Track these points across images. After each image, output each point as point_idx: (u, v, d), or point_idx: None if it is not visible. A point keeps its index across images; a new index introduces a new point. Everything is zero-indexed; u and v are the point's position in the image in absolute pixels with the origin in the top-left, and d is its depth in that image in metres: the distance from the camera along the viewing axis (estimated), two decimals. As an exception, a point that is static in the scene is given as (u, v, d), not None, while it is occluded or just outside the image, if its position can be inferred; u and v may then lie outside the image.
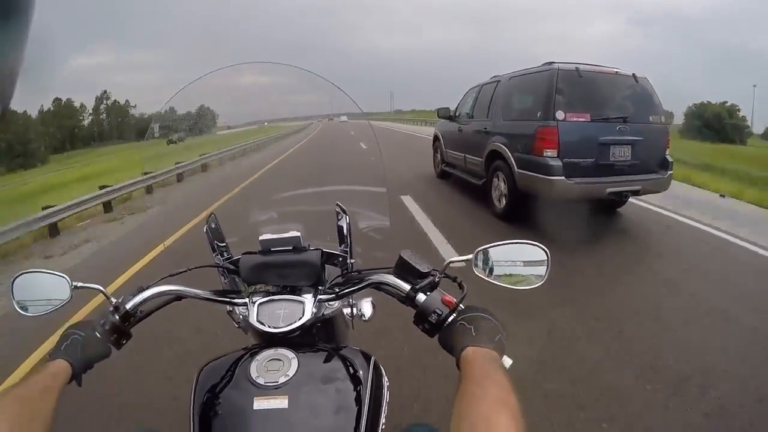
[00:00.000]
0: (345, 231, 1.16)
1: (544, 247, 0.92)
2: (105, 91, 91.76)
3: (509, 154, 5.76)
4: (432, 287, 0.93)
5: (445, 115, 8.46)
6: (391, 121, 48.47)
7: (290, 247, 1.05)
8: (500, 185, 6.05)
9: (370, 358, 0.93)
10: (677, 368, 2.74)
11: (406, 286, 0.94)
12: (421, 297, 0.92)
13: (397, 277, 0.96)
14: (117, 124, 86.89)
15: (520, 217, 5.77)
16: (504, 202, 5.98)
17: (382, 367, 0.94)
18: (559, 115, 5.10)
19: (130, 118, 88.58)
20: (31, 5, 0.40)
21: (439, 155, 9.20)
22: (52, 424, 0.72)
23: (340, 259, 1.12)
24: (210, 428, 0.78)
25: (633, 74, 5.71)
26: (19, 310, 0.99)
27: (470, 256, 0.93)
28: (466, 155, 7.39)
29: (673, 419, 2.31)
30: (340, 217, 1.18)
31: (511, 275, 0.94)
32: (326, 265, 1.10)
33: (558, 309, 3.44)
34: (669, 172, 5.70)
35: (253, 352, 0.89)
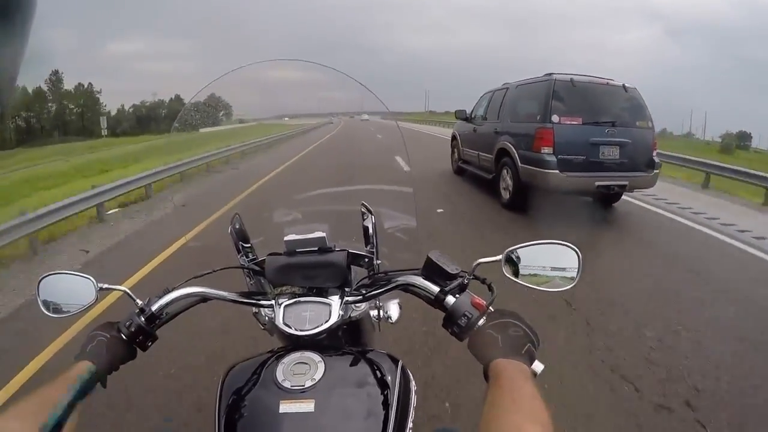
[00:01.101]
0: (371, 231, 1.14)
1: (575, 248, 0.91)
2: (56, 71, 73.07)
3: (514, 151, 6.73)
4: (461, 289, 0.91)
5: (462, 116, 9.46)
6: (421, 122, 44.35)
7: (316, 248, 1.03)
8: (507, 178, 7.01)
9: (398, 361, 0.91)
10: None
11: (435, 288, 0.92)
12: (450, 299, 0.90)
13: (426, 279, 0.94)
14: (81, 115, 73.54)
15: (523, 207, 6.72)
16: (509, 193, 6.93)
17: (409, 371, 0.93)
18: (555, 118, 6.07)
19: (100, 107, 76.54)
20: (31, 6, 0.39)
21: (456, 153, 10.17)
22: (76, 424, 0.73)
23: (366, 260, 1.10)
24: (236, 430, 0.78)
25: (623, 84, 6.64)
26: (45, 311, 0.99)
27: (500, 257, 0.92)
28: (480, 153, 8.36)
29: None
30: (365, 217, 1.16)
31: (540, 276, 0.92)
32: (352, 266, 1.08)
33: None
34: (655, 171, 6.59)
35: (279, 355, 0.88)
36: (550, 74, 6.56)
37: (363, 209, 1.17)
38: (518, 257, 0.92)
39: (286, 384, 0.80)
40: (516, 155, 6.67)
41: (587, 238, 5.44)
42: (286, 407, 0.77)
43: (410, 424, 0.84)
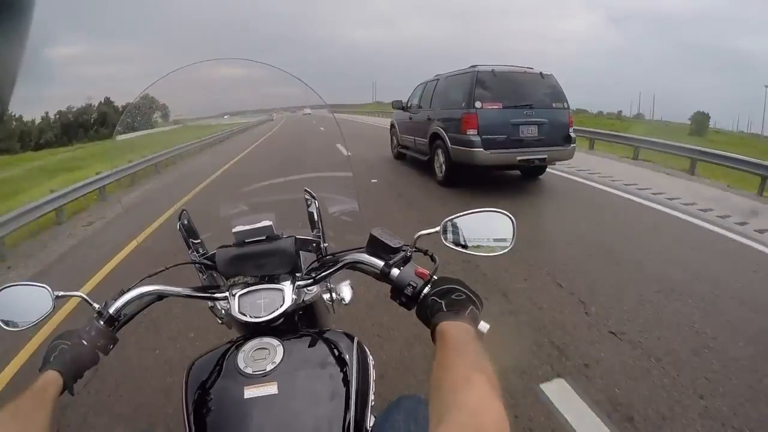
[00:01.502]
0: (316, 216, 1.16)
1: (509, 215, 0.95)
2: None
3: (445, 134, 7.38)
4: (405, 261, 0.94)
5: (399, 106, 10.05)
6: (369, 113, 44.25)
7: (264, 237, 1.04)
8: (440, 158, 7.68)
9: (354, 338, 0.94)
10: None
11: (380, 263, 0.95)
12: (395, 272, 0.93)
13: (371, 255, 0.97)
14: None
15: (456, 182, 7.42)
16: (443, 171, 7.61)
17: (366, 347, 0.95)
18: (478, 104, 6.77)
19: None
20: (31, 5, 0.39)
21: (395, 139, 10.78)
22: None
23: (314, 244, 1.12)
24: (204, 421, 0.79)
25: (540, 72, 7.43)
26: (2, 326, 0.97)
27: (438, 228, 0.95)
28: (416, 138, 8.99)
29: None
30: (309, 203, 1.18)
31: (478, 244, 0.97)
32: (301, 252, 1.09)
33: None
34: (573, 145, 7.40)
35: (238, 344, 0.90)
36: (474, 66, 7.25)
37: (307, 195, 1.19)
38: (456, 226, 0.97)
39: (248, 370, 0.82)
40: (446, 138, 7.33)
41: (509, 205, 6.19)
42: (250, 392, 0.79)
43: (372, 396, 0.87)
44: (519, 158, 6.91)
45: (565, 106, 7.49)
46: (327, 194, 1.29)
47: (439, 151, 7.69)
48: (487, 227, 0.97)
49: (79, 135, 65.67)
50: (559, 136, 7.27)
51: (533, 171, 8.01)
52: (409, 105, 9.64)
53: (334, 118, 1.64)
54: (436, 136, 7.78)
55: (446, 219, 0.97)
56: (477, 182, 7.49)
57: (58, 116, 74.15)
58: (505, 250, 0.97)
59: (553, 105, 7.29)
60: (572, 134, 7.42)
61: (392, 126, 11.00)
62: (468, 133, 6.77)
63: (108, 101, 78.62)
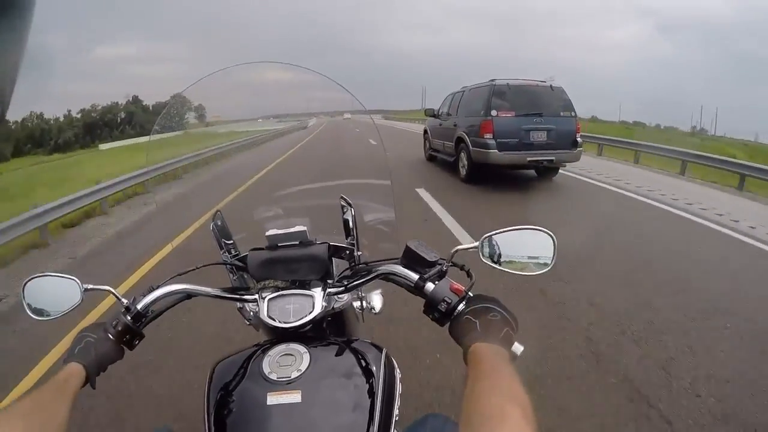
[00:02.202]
0: (351, 224, 1.16)
1: (550, 233, 0.92)
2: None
3: (467, 138, 8.76)
4: (440, 276, 0.92)
5: (431, 114, 11.51)
6: (416, 120, 38.56)
7: (297, 242, 1.04)
8: (463, 159, 9.06)
9: (382, 350, 0.92)
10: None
11: (415, 276, 0.93)
12: (429, 286, 0.91)
13: (405, 267, 0.95)
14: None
15: (477, 180, 8.76)
16: (466, 170, 8.99)
17: (393, 360, 0.94)
18: (494, 113, 8.13)
19: None
20: (31, 6, 0.39)
21: (428, 143, 12.20)
22: (67, 427, 0.72)
23: (347, 252, 1.11)
24: (225, 424, 0.78)
25: (550, 85, 8.72)
26: (31, 314, 0.99)
27: (477, 244, 0.93)
28: (444, 141, 10.39)
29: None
30: (345, 210, 1.18)
31: (517, 261, 0.94)
32: (334, 259, 1.09)
33: (494, 209, 6.43)
34: (579, 149, 8.63)
35: (264, 348, 0.89)
36: (493, 80, 8.63)
37: (343, 202, 1.18)
38: (495, 243, 0.93)
39: (273, 376, 0.81)
40: (468, 141, 8.71)
41: (519, 197, 7.53)
42: (273, 399, 0.78)
43: (396, 411, 0.85)
44: (529, 159, 8.22)
45: (573, 114, 8.73)
46: (363, 201, 1.27)
47: (463, 153, 9.09)
48: (526, 245, 0.94)
49: (103, 134, 64.21)
50: (567, 141, 8.51)
51: (546, 172, 9.28)
52: (439, 113, 11.05)
53: (373, 123, 1.63)
54: (460, 140, 9.17)
55: (485, 235, 0.94)
56: (495, 181, 8.80)
57: (80, 115, 70.20)
58: (545, 270, 0.94)
59: (561, 114, 8.54)
60: (579, 139, 8.64)
61: (425, 132, 12.44)
62: (485, 137, 8.14)
63: (136, 99, 77.45)
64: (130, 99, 77.12)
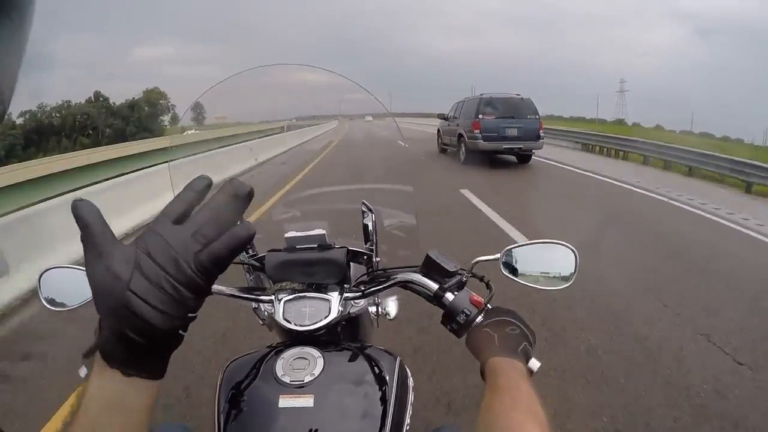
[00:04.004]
0: (371, 229, 1.17)
1: (572, 248, 0.93)
2: None
3: (464, 133, 13.00)
4: (459, 286, 0.93)
5: (442, 117, 15.76)
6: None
7: (315, 245, 1.04)
8: (462, 148, 13.29)
9: (396, 358, 0.93)
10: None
11: (434, 285, 0.93)
12: (449, 296, 0.91)
13: (424, 276, 0.95)
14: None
15: (472, 163, 12.84)
16: (463, 155, 13.20)
17: (407, 368, 0.94)
18: (480, 116, 12.45)
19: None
20: (31, 6, 0.39)
21: (439, 139, 16.46)
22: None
23: (366, 257, 1.12)
24: (235, 424, 0.79)
25: (521, 97, 13.01)
26: (47, 305, 0.99)
27: (497, 255, 0.94)
28: (450, 137, 14.64)
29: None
30: (365, 216, 1.19)
31: (538, 275, 0.94)
32: (352, 263, 1.10)
33: (487, 183, 10.55)
34: (541, 140, 12.77)
35: (278, 350, 0.89)
36: (482, 94, 13.07)
37: (363, 208, 1.19)
38: (516, 256, 0.94)
39: (286, 379, 0.81)
40: (465, 135, 12.96)
41: (505, 175, 11.72)
42: (285, 402, 0.78)
43: (408, 420, 0.85)
44: (504, 146, 12.44)
45: (537, 117, 12.90)
46: (384, 207, 1.28)
47: (462, 144, 13.31)
48: (548, 259, 0.94)
49: (49, 145, 49.99)
50: (532, 135, 12.64)
51: (522, 159, 13.36)
52: (447, 116, 15.28)
53: (395, 123, 1.69)
54: (460, 135, 13.39)
55: (507, 248, 0.94)
56: (483, 165, 12.84)
57: (23, 120, 54.04)
58: (565, 285, 0.94)
59: (528, 117, 12.75)
60: (541, 134, 12.76)
61: (438, 131, 16.70)
62: (475, 132, 12.43)
63: (98, 97, 63.17)
64: (91, 97, 63.15)
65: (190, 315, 0.48)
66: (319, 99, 1.72)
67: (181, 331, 0.48)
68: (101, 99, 63.92)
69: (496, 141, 12.39)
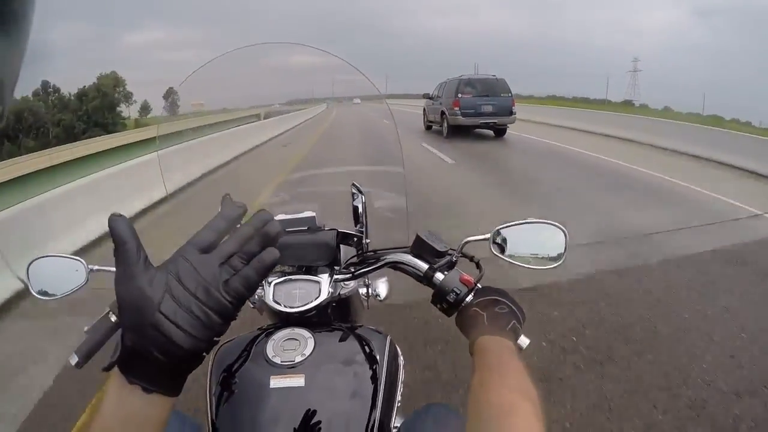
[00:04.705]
0: (360, 210, 1.16)
1: (562, 227, 0.93)
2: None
3: (446, 110, 14.76)
4: (450, 266, 0.94)
5: (427, 96, 17.44)
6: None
7: (305, 228, 1.05)
8: (444, 124, 15.06)
9: (386, 337, 0.94)
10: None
11: (424, 266, 0.94)
12: (439, 276, 0.92)
13: (415, 257, 0.96)
14: None
15: (453, 136, 14.60)
16: (446, 131, 14.97)
17: (397, 346, 0.95)
18: (460, 95, 14.23)
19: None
20: (31, 6, 0.39)
21: (425, 117, 18.10)
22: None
23: (356, 239, 1.11)
24: (227, 406, 0.79)
25: (496, 78, 14.80)
26: (36, 295, 0.99)
27: (487, 236, 0.93)
28: (434, 115, 16.36)
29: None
30: (355, 197, 1.19)
31: (528, 255, 0.94)
32: (342, 246, 1.10)
33: (469, 151, 12.38)
34: (514, 116, 14.58)
35: (269, 332, 0.90)
36: (462, 75, 14.80)
37: (353, 189, 1.19)
38: (506, 236, 0.94)
39: (277, 360, 0.82)
40: (447, 112, 14.72)
41: (483, 145, 13.54)
42: (276, 382, 0.78)
43: (399, 398, 0.87)
44: (480, 122, 14.25)
45: (510, 95, 14.68)
46: (374, 189, 1.27)
47: (444, 121, 15.07)
48: (537, 238, 0.94)
49: None
50: (505, 111, 14.44)
51: (498, 132, 15.12)
52: (432, 95, 17.00)
53: (389, 109, 1.65)
54: (443, 113, 15.14)
55: (496, 227, 0.93)
56: (465, 138, 14.62)
57: None
58: (556, 264, 0.94)
59: (502, 95, 14.53)
60: (514, 110, 14.56)
61: (424, 110, 18.42)
62: (455, 109, 14.21)
63: (46, 88, 52.45)
64: (39, 89, 52.06)
65: (215, 339, 0.51)
66: (307, 81, 1.71)
67: (204, 353, 0.52)
68: (50, 90, 52.96)
69: (473, 117, 14.19)
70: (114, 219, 0.50)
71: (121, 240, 0.49)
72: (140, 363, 0.49)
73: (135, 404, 0.50)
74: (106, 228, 0.51)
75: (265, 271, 0.52)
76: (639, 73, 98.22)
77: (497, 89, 14.61)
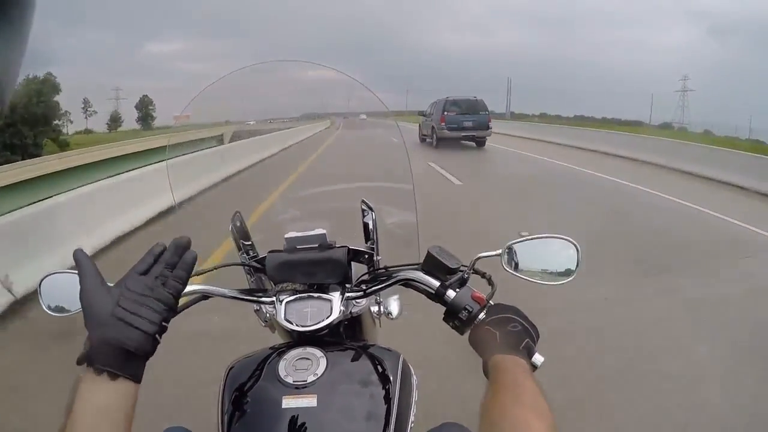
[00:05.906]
0: (371, 227, 1.16)
1: (574, 242, 0.93)
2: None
3: (436, 125, 18.07)
4: (461, 283, 0.92)
5: (422, 114, 20.79)
6: None
7: (316, 245, 1.03)
8: (434, 137, 18.32)
9: (399, 356, 0.92)
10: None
11: (436, 283, 0.92)
12: (450, 293, 0.90)
13: (426, 274, 0.94)
14: None
15: (440, 146, 17.79)
16: (435, 142, 18.21)
17: (410, 366, 0.93)
18: (446, 113, 17.66)
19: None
20: (31, 6, 0.40)
21: (420, 132, 21.15)
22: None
23: (366, 256, 1.09)
24: (239, 426, 0.79)
25: (476, 99, 18.28)
26: (48, 311, 0.99)
27: (499, 251, 0.93)
28: (427, 129, 19.52)
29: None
30: (366, 214, 1.18)
31: (540, 271, 0.94)
32: (353, 263, 1.08)
33: (455, 157, 15.65)
34: (490, 130, 17.99)
35: (280, 351, 0.89)
36: (448, 96, 18.20)
37: (363, 206, 1.19)
38: (518, 251, 0.93)
39: (289, 379, 0.81)
40: (436, 127, 17.98)
41: (466, 154, 16.85)
42: (288, 402, 0.77)
43: (412, 418, 0.85)
44: (462, 135, 17.58)
45: (487, 113, 18.08)
46: (383, 205, 1.27)
47: (434, 134, 18.32)
48: (549, 254, 0.94)
49: None
50: (483, 126, 17.79)
51: (479, 143, 18.32)
52: (426, 113, 20.27)
53: (397, 126, 1.70)
54: (433, 128, 18.41)
55: (508, 243, 0.93)
56: (451, 149, 17.72)
57: None
58: (568, 279, 0.93)
59: (480, 113, 17.92)
60: (491, 126, 17.92)
61: (419, 125, 21.62)
62: (441, 124, 17.52)
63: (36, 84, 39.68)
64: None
65: (164, 324, 0.67)
66: (316, 98, 1.76)
67: (157, 336, 0.65)
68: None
69: (456, 131, 17.52)
70: (78, 252, 0.69)
71: (82, 268, 0.67)
72: (106, 350, 0.62)
73: (104, 392, 0.61)
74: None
75: (190, 269, 0.70)
76: (689, 93, 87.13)
77: (477, 108, 18.02)
